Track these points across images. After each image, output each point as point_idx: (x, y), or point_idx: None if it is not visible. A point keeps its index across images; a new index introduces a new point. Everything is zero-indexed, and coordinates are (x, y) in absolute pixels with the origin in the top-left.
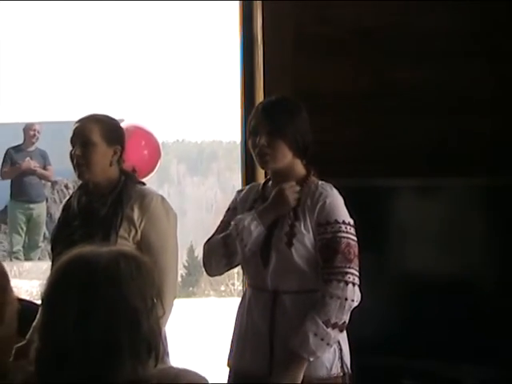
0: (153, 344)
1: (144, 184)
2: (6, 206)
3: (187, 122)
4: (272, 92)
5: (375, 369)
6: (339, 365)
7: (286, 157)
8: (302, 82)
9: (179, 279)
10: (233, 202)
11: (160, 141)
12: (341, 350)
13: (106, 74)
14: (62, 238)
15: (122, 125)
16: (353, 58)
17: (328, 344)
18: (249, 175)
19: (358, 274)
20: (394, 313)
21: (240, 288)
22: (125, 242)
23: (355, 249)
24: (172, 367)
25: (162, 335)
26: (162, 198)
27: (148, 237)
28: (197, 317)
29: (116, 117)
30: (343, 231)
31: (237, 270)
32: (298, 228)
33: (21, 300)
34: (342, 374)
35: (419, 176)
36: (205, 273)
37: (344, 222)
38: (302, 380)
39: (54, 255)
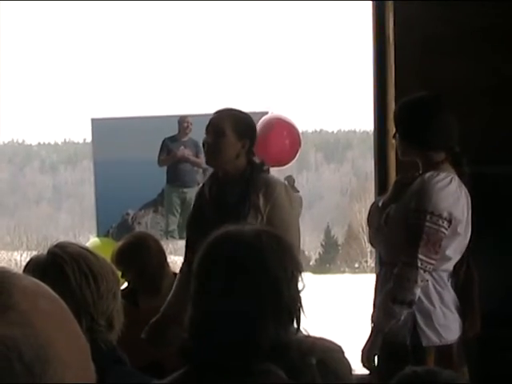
0: (293, 312)
1: (268, 173)
2: (162, 190)
3: (325, 114)
4: (402, 87)
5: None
6: (408, 336)
7: (406, 150)
8: (430, 78)
9: (317, 257)
10: None
11: (300, 131)
12: (415, 323)
13: (254, 71)
14: (196, 223)
15: (267, 116)
16: (477, 56)
17: (395, 318)
18: (381, 163)
19: (430, 260)
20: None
21: (373, 265)
22: None
23: (434, 238)
24: (309, 336)
25: (302, 305)
26: (285, 186)
27: (272, 222)
28: (333, 291)
29: (262, 109)
30: (427, 220)
31: (370, 249)
32: (392, 210)
33: (176, 274)
34: (410, 344)
35: None
36: (340, 251)
37: (430, 212)
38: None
39: (189, 239)
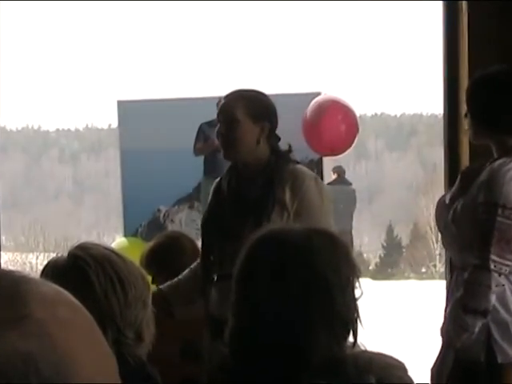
0: (349, 323)
1: (298, 163)
2: (199, 183)
3: (386, 95)
4: (477, 63)
5: None
6: (482, 351)
7: (478, 132)
8: (508, 52)
9: (377, 260)
10: None
11: (357, 114)
12: (489, 336)
13: (304, 48)
14: (212, 223)
15: (319, 98)
16: None
17: (467, 331)
18: (452, 151)
19: (504, 260)
20: None
21: (442, 270)
22: None
23: (507, 234)
24: (366, 351)
25: (359, 315)
26: (316, 178)
27: (299, 220)
28: (396, 300)
29: (313, 89)
30: (498, 214)
31: (439, 251)
32: (460, 205)
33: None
34: (484, 361)
35: None
36: (404, 253)
37: (501, 205)
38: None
39: (204, 241)
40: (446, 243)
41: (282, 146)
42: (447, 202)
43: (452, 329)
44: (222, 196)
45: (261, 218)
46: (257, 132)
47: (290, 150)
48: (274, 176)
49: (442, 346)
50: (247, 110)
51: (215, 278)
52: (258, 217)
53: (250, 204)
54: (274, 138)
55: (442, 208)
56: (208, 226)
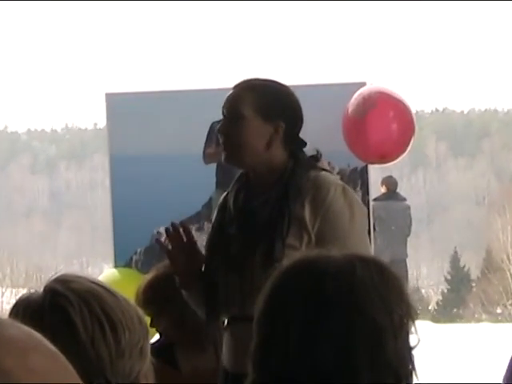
0: (402, 376)
1: (324, 170)
2: (210, 199)
3: (450, 86)
4: None
5: None
6: None
7: None
8: None
9: (439, 297)
10: None
11: (413, 111)
12: None
13: (347, 31)
14: (217, 249)
15: (364, 89)
16: None
17: None
18: None
19: None
20: None
21: None
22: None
23: None
24: None
25: (415, 367)
26: (344, 189)
27: (323, 242)
28: (464, 347)
29: (357, 79)
30: None
31: None
32: None
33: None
34: None
35: None
36: (474, 289)
37: None
38: None
39: (208, 274)
40: None
41: (310, 152)
42: None
43: None
44: (228, 214)
45: (273, 244)
46: (268, 133)
47: (316, 157)
48: (290, 188)
49: None
50: (257, 105)
51: (225, 322)
52: (269, 241)
53: (260, 224)
54: (295, 142)
55: None
56: (211, 253)
